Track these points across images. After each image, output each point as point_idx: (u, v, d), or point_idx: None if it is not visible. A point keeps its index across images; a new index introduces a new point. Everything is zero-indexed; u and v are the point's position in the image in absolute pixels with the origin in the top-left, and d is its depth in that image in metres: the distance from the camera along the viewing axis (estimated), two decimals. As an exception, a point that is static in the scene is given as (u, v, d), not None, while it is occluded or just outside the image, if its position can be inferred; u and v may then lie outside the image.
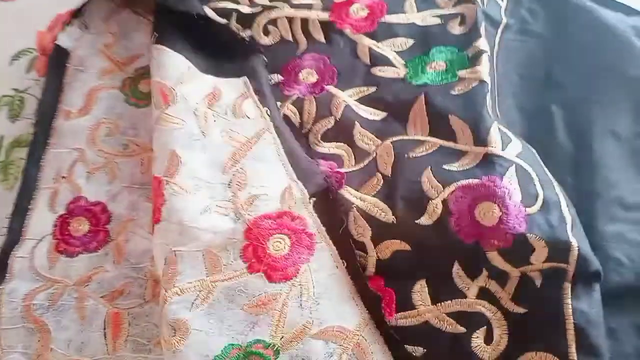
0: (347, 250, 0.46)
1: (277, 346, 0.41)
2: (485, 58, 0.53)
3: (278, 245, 0.45)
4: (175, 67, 0.54)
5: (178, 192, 0.47)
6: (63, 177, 0.55)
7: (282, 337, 0.42)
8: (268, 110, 0.53)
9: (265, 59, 0.58)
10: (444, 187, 0.46)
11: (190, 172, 0.48)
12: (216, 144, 0.50)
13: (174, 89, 0.52)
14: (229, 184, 0.48)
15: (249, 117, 0.52)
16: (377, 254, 0.45)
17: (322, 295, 0.44)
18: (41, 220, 0.53)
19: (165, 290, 0.43)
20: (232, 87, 0.55)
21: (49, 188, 0.55)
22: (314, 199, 0.47)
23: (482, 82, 0.51)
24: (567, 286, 0.42)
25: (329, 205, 0.47)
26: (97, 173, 0.55)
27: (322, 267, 0.45)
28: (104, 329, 0.47)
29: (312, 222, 0.46)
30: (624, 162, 0.52)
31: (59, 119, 0.58)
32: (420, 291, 0.44)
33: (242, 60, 0.57)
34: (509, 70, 0.58)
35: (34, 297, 0.49)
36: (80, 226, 0.52)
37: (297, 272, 0.44)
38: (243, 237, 0.45)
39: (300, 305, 0.43)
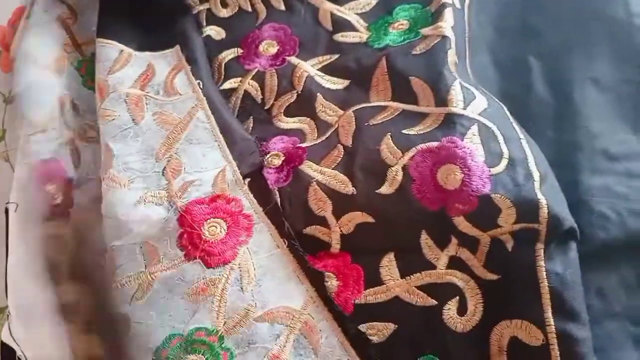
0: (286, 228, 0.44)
1: (220, 332, 0.41)
2: (447, 12, 0.50)
3: (214, 230, 0.44)
4: (107, 56, 0.52)
5: (112, 186, 0.46)
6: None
7: (225, 323, 0.41)
8: (200, 83, 0.51)
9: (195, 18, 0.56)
10: (403, 153, 0.43)
11: (123, 164, 0.47)
12: (149, 129, 0.48)
13: (107, 80, 0.51)
14: (162, 172, 0.47)
15: (180, 94, 0.50)
16: (340, 228, 0.43)
17: (263, 277, 0.43)
18: None
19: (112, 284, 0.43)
20: (165, 61, 0.53)
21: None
22: (249, 179, 0.46)
23: (444, 38, 0.48)
24: (540, 247, 0.39)
25: (265, 185, 0.46)
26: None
27: (262, 248, 0.44)
28: None
29: (248, 203, 0.45)
30: (606, 111, 0.49)
31: None
32: (388, 265, 0.42)
33: (172, 25, 0.54)
34: (484, 24, 0.55)
35: None
36: None
37: (235, 255, 0.43)
38: (177, 224, 0.44)
39: (241, 288, 0.42)
